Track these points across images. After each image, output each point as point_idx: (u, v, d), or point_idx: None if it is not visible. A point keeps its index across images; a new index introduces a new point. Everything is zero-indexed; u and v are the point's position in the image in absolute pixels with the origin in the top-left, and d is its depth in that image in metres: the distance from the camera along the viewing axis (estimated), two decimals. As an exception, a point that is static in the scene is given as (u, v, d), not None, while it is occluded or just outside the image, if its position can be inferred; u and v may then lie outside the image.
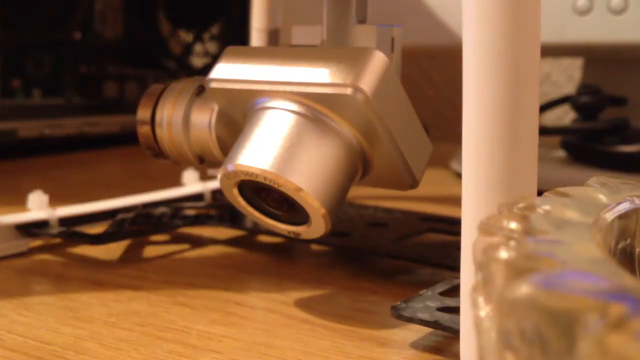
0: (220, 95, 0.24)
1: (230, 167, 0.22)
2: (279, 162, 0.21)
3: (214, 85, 0.23)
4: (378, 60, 0.21)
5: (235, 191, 0.23)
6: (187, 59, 0.75)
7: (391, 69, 0.21)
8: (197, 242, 0.31)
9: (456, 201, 0.18)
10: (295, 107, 0.22)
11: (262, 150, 0.21)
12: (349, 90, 0.21)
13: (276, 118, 0.22)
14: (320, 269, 0.27)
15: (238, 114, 0.24)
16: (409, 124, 0.23)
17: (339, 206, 0.22)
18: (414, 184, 0.23)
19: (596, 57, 0.51)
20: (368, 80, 0.21)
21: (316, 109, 0.21)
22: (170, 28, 0.74)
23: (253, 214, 0.23)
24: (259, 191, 0.23)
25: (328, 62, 0.21)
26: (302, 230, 0.23)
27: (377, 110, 0.21)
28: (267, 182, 0.21)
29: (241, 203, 0.23)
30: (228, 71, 0.23)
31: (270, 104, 0.22)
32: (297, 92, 0.21)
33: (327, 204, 0.21)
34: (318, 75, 0.21)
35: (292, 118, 0.22)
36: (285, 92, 0.22)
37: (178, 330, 0.21)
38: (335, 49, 0.22)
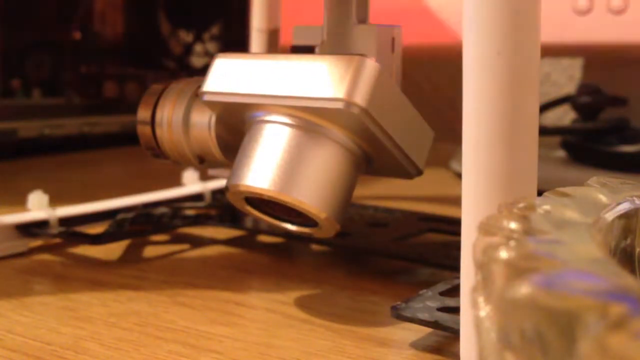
0: (215, 106, 0.24)
1: (233, 187, 0.22)
2: (280, 179, 0.21)
3: (207, 98, 0.23)
4: (369, 69, 0.21)
5: (244, 203, 0.23)
6: (187, 59, 0.75)
7: (383, 73, 0.21)
8: (197, 242, 0.31)
9: (456, 201, 0.18)
10: (292, 120, 0.22)
11: (262, 169, 0.22)
12: (342, 105, 0.21)
13: (274, 133, 0.22)
14: (320, 269, 0.27)
15: (235, 120, 0.24)
16: (407, 120, 0.23)
17: (346, 206, 0.22)
18: (418, 172, 0.24)
19: (596, 57, 0.51)
20: (361, 92, 0.21)
21: (312, 121, 0.22)
22: (170, 28, 0.74)
23: (264, 219, 0.24)
24: (267, 201, 0.23)
25: (320, 74, 0.21)
26: (314, 232, 0.23)
27: (373, 118, 0.21)
28: (270, 199, 0.22)
29: (252, 212, 0.24)
30: (221, 83, 0.23)
31: (268, 117, 0.22)
32: (293, 106, 0.22)
33: (332, 209, 0.22)
34: (311, 89, 0.21)
35: (290, 132, 0.22)
36: (280, 106, 0.22)
37: (178, 330, 0.21)
38: (327, 57, 0.22)
